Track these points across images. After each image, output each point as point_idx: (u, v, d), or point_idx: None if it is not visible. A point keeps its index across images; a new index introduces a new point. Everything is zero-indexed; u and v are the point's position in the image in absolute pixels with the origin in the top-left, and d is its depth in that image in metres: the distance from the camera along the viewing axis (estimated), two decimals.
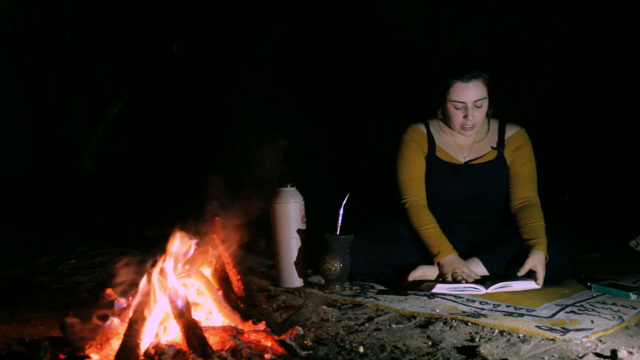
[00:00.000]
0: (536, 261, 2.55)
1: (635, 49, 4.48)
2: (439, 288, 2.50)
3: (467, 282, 2.55)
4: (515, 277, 2.54)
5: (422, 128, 2.85)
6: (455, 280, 2.57)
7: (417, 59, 5.14)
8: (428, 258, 2.70)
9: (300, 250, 2.71)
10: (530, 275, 2.55)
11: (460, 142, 2.85)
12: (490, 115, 2.81)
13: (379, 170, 3.37)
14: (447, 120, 2.79)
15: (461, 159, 2.83)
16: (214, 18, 5.99)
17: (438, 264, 2.66)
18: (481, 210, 2.83)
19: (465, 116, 2.70)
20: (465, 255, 2.72)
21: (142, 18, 6.00)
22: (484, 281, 2.56)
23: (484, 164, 2.81)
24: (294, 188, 2.74)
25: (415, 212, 2.77)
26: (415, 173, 2.82)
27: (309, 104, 5.77)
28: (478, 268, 2.66)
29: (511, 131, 2.83)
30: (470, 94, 2.67)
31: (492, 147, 2.82)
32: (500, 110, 2.84)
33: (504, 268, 2.65)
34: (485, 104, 2.72)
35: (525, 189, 2.78)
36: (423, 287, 2.55)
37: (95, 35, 6.06)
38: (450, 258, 2.64)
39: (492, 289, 2.48)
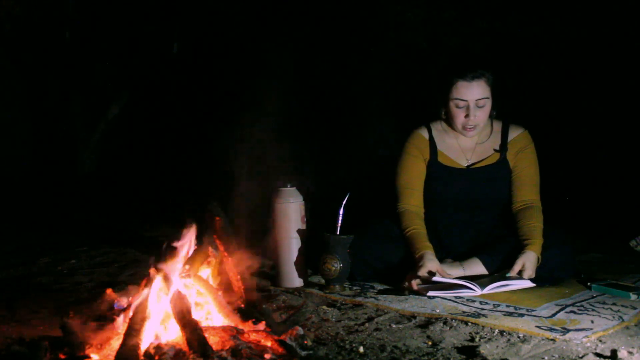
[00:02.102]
0: (525, 260, 2.55)
1: (636, 49, 4.48)
2: (433, 293, 2.48)
3: (454, 281, 2.52)
4: (510, 277, 2.54)
5: (425, 134, 2.86)
6: (449, 286, 2.54)
7: (417, 59, 5.14)
8: None
9: (300, 250, 2.71)
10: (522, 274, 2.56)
11: (463, 145, 2.84)
12: (493, 117, 2.81)
13: (378, 171, 3.36)
14: (449, 120, 2.79)
15: (463, 162, 2.83)
16: (214, 18, 5.99)
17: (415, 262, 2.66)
18: (483, 211, 2.83)
19: (467, 115, 2.70)
20: (465, 255, 2.72)
21: (142, 18, 6.00)
22: (480, 281, 2.55)
23: (486, 167, 2.81)
24: (294, 188, 2.74)
25: (403, 217, 2.79)
26: (412, 182, 2.83)
27: (309, 104, 5.77)
28: (478, 268, 2.66)
29: (514, 133, 2.83)
30: (472, 93, 2.67)
31: (495, 150, 2.82)
32: (501, 110, 2.84)
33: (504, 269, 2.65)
34: (487, 105, 2.72)
35: (527, 191, 2.77)
36: (419, 290, 2.54)
37: (95, 35, 6.05)
38: (423, 256, 2.62)
39: (488, 289, 2.48)
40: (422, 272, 2.57)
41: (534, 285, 2.53)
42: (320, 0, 5.50)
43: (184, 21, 6.13)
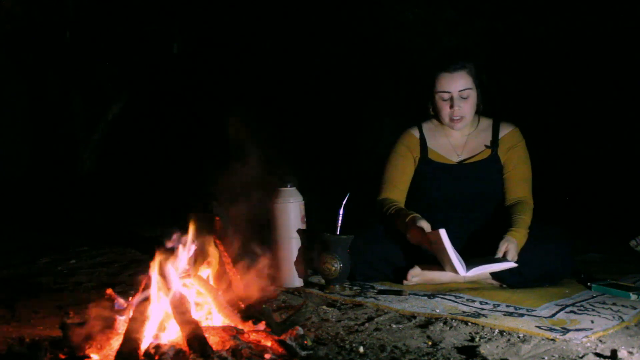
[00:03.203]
0: (507, 242, 2.54)
1: (636, 49, 4.48)
2: (444, 236, 2.47)
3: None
4: (494, 260, 2.53)
5: (415, 133, 2.89)
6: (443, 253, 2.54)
7: (416, 59, 5.15)
8: (426, 257, 2.69)
9: (300, 250, 2.71)
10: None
11: (453, 142, 2.86)
12: (480, 111, 2.82)
13: (378, 171, 3.37)
14: (437, 114, 2.82)
15: (454, 158, 2.85)
16: (214, 18, 5.99)
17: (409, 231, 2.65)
18: (476, 208, 2.83)
19: (451, 107, 2.73)
20: (462, 253, 2.71)
21: (142, 18, 6.00)
22: (468, 259, 2.55)
23: (477, 163, 2.82)
24: (294, 188, 2.74)
25: (381, 203, 2.82)
26: (395, 179, 2.86)
27: (309, 104, 5.78)
28: None
29: (505, 130, 2.84)
30: (455, 84, 2.72)
31: (486, 146, 2.83)
32: (498, 109, 2.85)
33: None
34: (472, 96, 2.75)
35: (518, 188, 2.78)
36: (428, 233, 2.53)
37: (95, 35, 6.06)
38: (414, 218, 2.62)
39: (473, 272, 2.49)
40: (419, 225, 2.56)
41: (515, 265, 2.52)
42: (320, 0, 5.51)
43: (184, 21, 6.13)
